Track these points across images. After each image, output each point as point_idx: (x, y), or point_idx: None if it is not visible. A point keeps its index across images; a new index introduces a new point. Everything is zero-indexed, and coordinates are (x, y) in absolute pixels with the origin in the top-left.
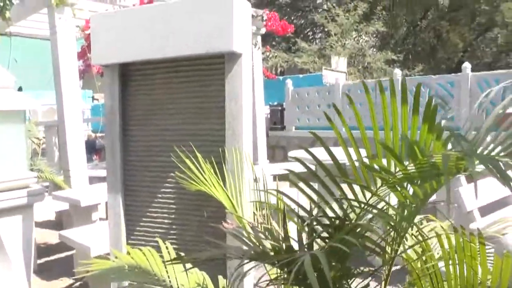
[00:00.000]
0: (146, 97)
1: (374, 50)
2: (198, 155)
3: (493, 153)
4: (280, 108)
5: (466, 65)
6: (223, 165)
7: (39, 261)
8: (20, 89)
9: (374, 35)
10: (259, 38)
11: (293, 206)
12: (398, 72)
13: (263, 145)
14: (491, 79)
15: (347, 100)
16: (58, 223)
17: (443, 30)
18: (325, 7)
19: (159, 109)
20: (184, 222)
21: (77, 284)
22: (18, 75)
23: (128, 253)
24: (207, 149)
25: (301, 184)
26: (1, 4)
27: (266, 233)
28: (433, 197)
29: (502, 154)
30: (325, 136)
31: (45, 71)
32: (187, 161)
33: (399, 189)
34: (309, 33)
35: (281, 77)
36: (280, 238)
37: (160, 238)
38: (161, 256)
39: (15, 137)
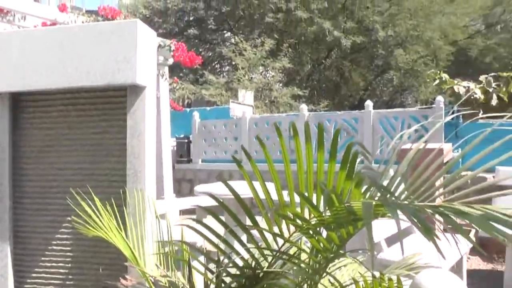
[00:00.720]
0: (41, 132)
1: (281, 85)
2: (95, 198)
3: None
4: (186, 140)
5: (369, 103)
6: (124, 207)
7: None
8: None
9: (281, 71)
10: (166, 69)
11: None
12: (304, 107)
13: (169, 178)
14: (390, 116)
15: (254, 133)
16: None
17: (345, 69)
18: (233, 40)
19: (55, 146)
20: (82, 271)
21: None
22: None
23: None
24: (107, 190)
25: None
26: None
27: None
28: None
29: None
30: (233, 169)
31: None
32: (84, 204)
33: (313, 235)
34: (216, 66)
35: (188, 109)
36: None
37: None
38: None
39: None
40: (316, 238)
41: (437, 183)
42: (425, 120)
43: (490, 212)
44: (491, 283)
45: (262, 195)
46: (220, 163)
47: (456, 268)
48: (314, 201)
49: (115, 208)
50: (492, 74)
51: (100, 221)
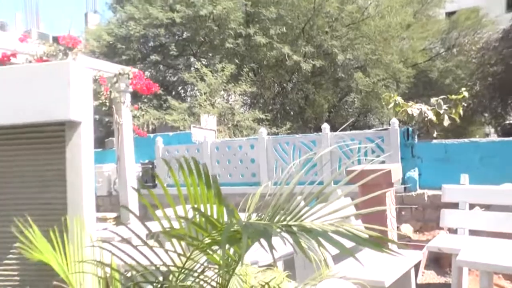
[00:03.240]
0: None
1: (244, 108)
2: (33, 225)
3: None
4: (151, 166)
5: (325, 126)
6: (65, 234)
7: None
8: None
9: (245, 95)
10: (128, 96)
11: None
12: (263, 131)
13: (135, 204)
14: (347, 137)
15: (216, 157)
16: None
17: (309, 92)
18: (196, 65)
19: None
20: None
21: None
22: None
23: None
24: (50, 217)
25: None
26: None
27: None
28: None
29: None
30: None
31: None
32: (26, 231)
33: (211, 252)
34: (181, 91)
35: (151, 135)
36: None
37: None
38: None
39: None
40: (213, 254)
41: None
42: (381, 141)
43: (334, 228)
44: None
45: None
46: (184, 187)
47: (404, 282)
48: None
49: (56, 234)
50: (442, 96)
51: (41, 245)
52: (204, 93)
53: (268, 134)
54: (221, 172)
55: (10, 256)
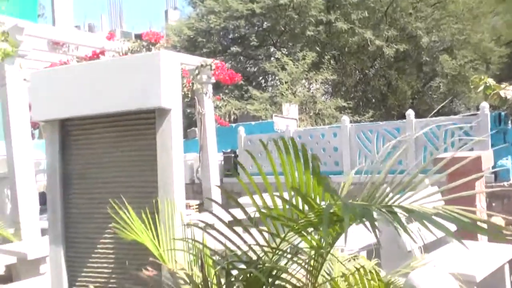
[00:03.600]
0: (85, 152)
1: (326, 97)
2: (129, 207)
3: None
4: (233, 155)
5: (410, 112)
6: (156, 215)
7: None
8: None
9: (326, 83)
10: (210, 87)
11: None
12: (346, 119)
13: (217, 192)
14: (433, 124)
15: (298, 145)
16: (7, 277)
17: (392, 78)
18: (277, 55)
19: (97, 163)
20: (124, 271)
21: None
22: None
23: None
24: (142, 200)
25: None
26: None
27: (186, 278)
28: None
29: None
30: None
31: None
32: (121, 212)
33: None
34: (261, 81)
35: (233, 125)
36: (200, 281)
37: None
38: None
39: None
40: (309, 237)
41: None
42: (469, 128)
43: (437, 210)
44: None
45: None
46: (267, 176)
47: (498, 278)
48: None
49: (149, 216)
50: None
51: (136, 226)
52: (285, 82)
53: (351, 122)
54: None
55: (106, 235)
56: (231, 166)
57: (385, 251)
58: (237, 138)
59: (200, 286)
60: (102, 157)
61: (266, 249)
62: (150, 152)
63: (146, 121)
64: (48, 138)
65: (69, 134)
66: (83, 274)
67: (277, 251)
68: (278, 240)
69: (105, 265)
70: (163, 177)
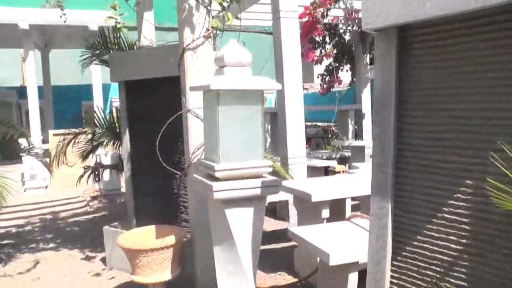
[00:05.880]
0: (429, 71)
1: None
2: None
3: None
4: None
5: None
6: None
7: None
8: None
9: None
10: None
11: None
12: None
13: None
14: None
15: None
16: (271, 210)
17: None
18: None
19: (447, 88)
20: (483, 256)
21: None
22: None
23: None
24: None
25: None
26: None
27: None
28: None
29: None
30: None
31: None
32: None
33: None
34: None
35: None
36: None
37: (439, 276)
38: None
39: (251, 120)
40: None
41: None
42: None
43: None
44: None
45: None
46: None
47: None
48: None
49: None
50: None
51: None
52: None
53: None
54: None
55: (468, 197)
56: None
57: None
58: None
59: None
60: (456, 79)
61: None
62: None
63: None
64: (380, 53)
65: (411, 47)
66: (414, 243)
67: None
68: None
69: (452, 238)
70: None
